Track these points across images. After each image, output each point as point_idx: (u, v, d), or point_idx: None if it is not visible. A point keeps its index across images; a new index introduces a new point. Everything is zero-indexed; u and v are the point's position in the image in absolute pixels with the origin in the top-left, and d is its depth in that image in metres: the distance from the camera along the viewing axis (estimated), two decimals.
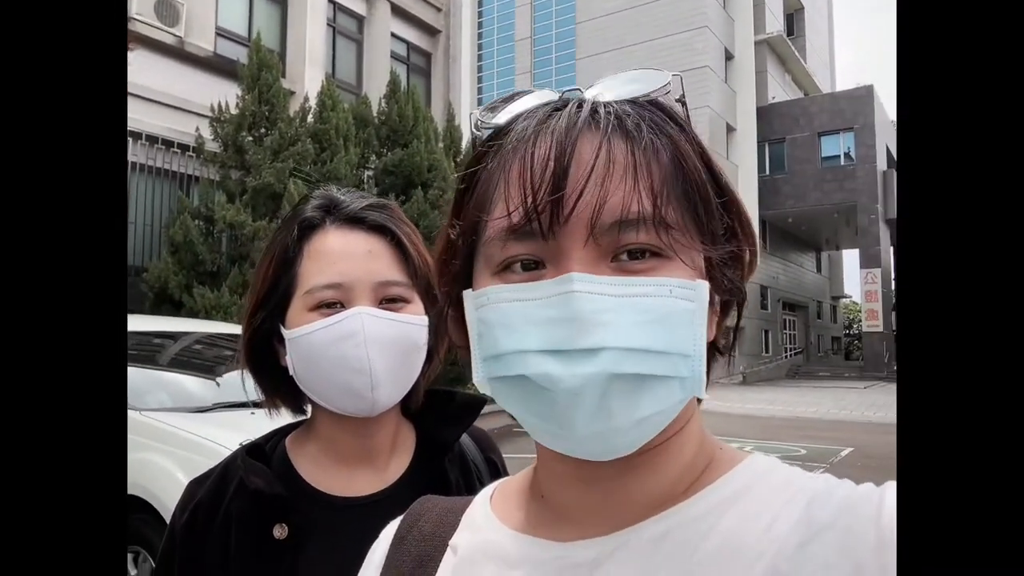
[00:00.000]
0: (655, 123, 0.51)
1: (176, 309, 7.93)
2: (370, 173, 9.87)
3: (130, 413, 3.28)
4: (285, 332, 0.95)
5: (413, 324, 0.96)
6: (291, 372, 0.96)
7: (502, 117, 0.55)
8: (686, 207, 0.51)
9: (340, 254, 0.95)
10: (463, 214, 0.54)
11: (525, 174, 0.49)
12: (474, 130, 0.56)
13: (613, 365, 0.46)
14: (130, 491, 2.90)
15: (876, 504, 0.47)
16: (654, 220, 0.48)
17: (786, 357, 29.94)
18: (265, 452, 1.00)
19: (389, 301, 0.96)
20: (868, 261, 25.32)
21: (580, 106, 0.52)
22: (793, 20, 34.88)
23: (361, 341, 0.91)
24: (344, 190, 1.04)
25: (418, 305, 0.98)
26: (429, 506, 0.66)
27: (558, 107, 0.52)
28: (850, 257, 36.75)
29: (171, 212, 8.78)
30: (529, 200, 0.48)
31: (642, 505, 0.53)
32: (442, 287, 0.58)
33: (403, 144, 9.92)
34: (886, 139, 27.20)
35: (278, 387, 1.01)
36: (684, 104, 0.55)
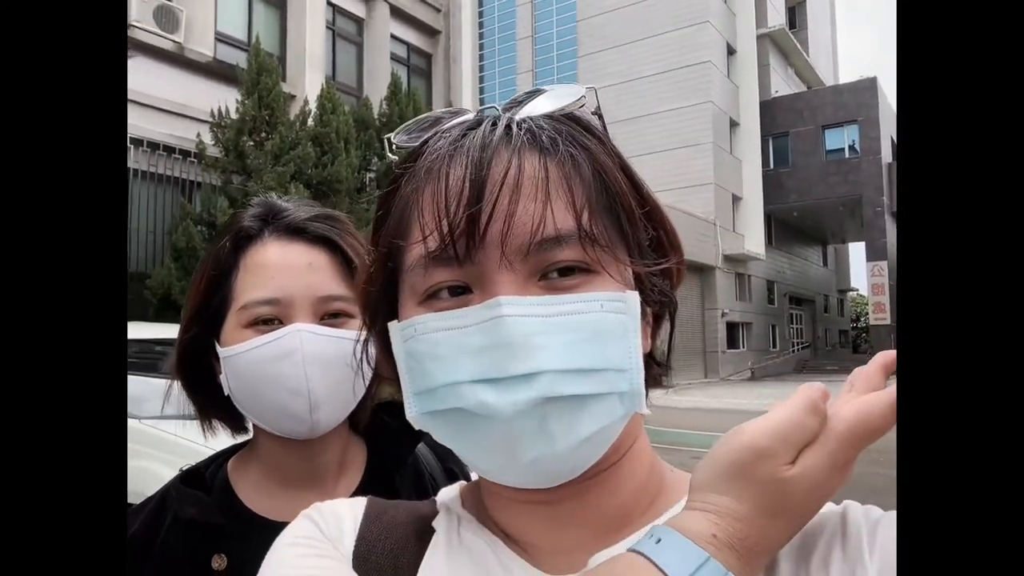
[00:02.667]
0: (572, 136, 0.50)
1: (180, 316, 7.93)
2: (372, 175, 9.86)
3: (130, 422, 3.25)
4: (220, 350, 0.90)
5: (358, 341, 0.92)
6: (226, 391, 0.91)
7: (417, 138, 0.53)
8: (610, 219, 0.50)
9: (278, 267, 0.90)
10: (380, 241, 0.53)
11: (439, 198, 0.48)
12: (390, 153, 0.55)
13: (550, 388, 0.45)
14: (129, 499, 2.87)
15: (838, 522, 0.48)
16: (579, 235, 0.47)
17: (794, 352, 29.88)
18: (204, 478, 0.95)
19: (331, 316, 0.91)
20: (874, 254, 25.19)
21: (495, 124, 0.50)
22: (795, 13, 34.77)
23: (299, 360, 0.86)
24: (287, 198, 0.99)
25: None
26: (388, 503, 0.61)
27: (472, 126, 0.51)
28: (856, 250, 36.64)
29: (173, 218, 8.78)
30: (444, 225, 0.47)
31: (597, 529, 0.51)
32: (366, 318, 0.57)
33: None
34: (890, 131, 27.07)
35: (214, 405, 0.96)
36: (601, 117, 0.55)
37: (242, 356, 0.87)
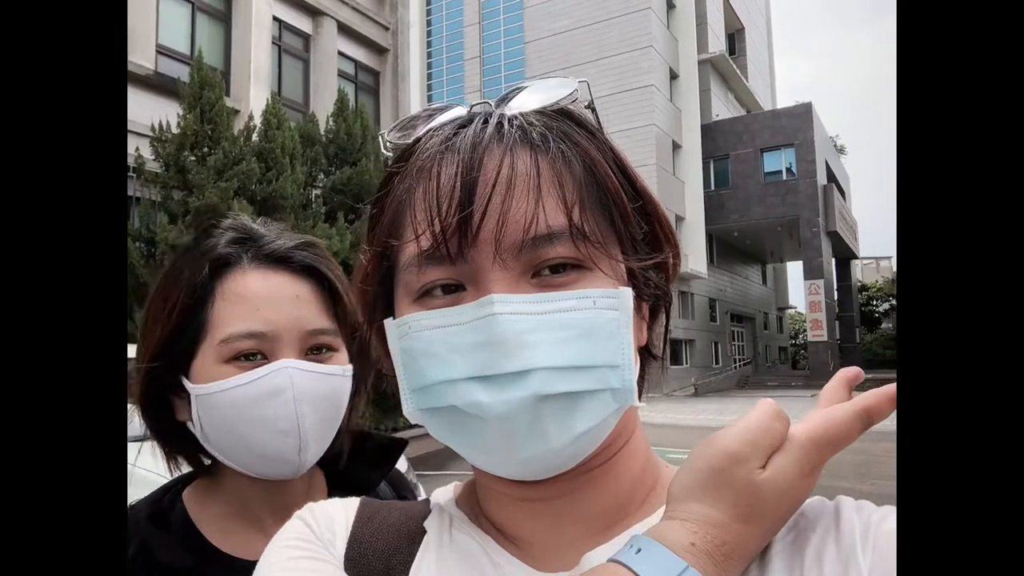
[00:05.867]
0: (563, 132, 0.50)
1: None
2: (318, 191, 9.75)
3: None
4: (191, 386, 0.82)
5: (342, 376, 0.87)
6: (195, 431, 0.83)
7: (410, 136, 0.53)
8: (602, 215, 0.50)
9: (264, 299, 0.83)
10: (375, 240, 0.53)
11: (431, 197, 0.48)
12: (384, 151, 0.55)
13: (542, 386, 0.45)
14: None
15: (832, 518, 0.47)
16: (570, 232, 0.47)
17: (735, 368, 30.50)
18: (167, 517, 0.87)
19: (315, 350, 0.86)
20: (811, 272, 26.03)
21: (486, 121, 0.50)
22: (734, 40, 35.91)
23: (290, 399, 0.80)
24: (261, 220, 0.93)
25: (343, 354, 0.89)
26: (381, 504, 0.61)
27: (464, 123, 0.51)
28: (794, 269, 37.79)
29: None
30: (436, 224, 0.47)
31: (592, 526, 0.52)
32: (364, 316, 0.56)
33: (352, 162, 9.84)
34: (825, 154, 28.15)
35: (173, 438, 0.87)
36: (594, 110, 0.54)
37: (223, 394, 0.80)
